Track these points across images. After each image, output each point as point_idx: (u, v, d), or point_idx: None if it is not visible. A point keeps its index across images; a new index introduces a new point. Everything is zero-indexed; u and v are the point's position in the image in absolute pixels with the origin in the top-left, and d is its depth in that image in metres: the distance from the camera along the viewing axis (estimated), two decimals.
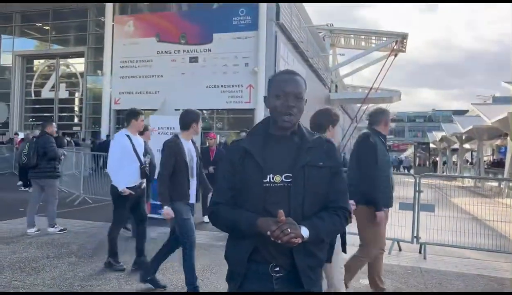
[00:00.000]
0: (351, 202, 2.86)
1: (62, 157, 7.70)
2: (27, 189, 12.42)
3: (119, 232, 5.18)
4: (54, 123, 7.33)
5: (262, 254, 1.72)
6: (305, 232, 1.64)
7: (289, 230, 1.58)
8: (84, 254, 5.62)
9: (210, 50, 21.99)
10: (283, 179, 1.72)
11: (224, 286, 2.29)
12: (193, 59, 22.35)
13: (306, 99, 1.82)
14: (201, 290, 4.31)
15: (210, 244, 6.38)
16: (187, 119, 4.26)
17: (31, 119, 27.67)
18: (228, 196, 1.79)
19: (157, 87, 22.64)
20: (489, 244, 6.58)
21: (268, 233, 1.60)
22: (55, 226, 6.89)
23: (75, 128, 25.65)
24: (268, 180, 1.72)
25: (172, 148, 4.09)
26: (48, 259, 5.34)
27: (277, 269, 1.72)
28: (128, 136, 4.93)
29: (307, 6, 27.97)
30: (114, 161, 4.87)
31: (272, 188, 1.71)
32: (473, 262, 5.91)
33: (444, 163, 38.32)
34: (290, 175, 1.71)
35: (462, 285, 4.92)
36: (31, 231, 6.71)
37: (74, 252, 5.73)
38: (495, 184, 17.94)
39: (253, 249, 1.72)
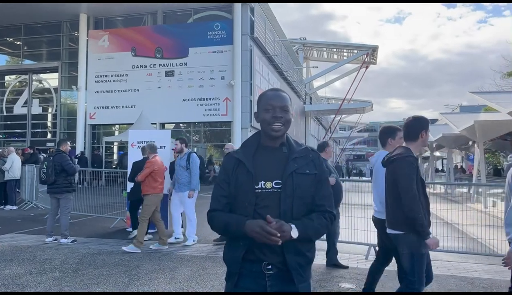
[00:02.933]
0: None
1: (77, 169, 8.29)
2: (1, 206, 12.20)
3: None
4: (68, 142, 7.93)
5: (255, 254, 1.91)
6: (294, 232, 1.84)
7: (273, 233, 1.78)
8: (68, 269, 5.63)
9: (186, 64, 22.16)
10: (274, 185, 1.92)
11: None
12: (169, 73, 22.47)
13: (292, 113, 2.05)
14: None
15: (192, 256, 6.49)
16: (416, 127, 3.51)
17: (1, 136, 27.03)
18: (223, 202, 1.99)
19: (133, 101, 22.63)
20: (460, 247, 6.93)
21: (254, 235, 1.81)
22: (67, 237, 7.35)
23: (49, 144, 25.16)
24: (260, 186, 1.92)
25: (414, 164, 3.31)
26: (32, 275, 5.34)
27: (269, 267, 1.91)
28: None
29: (280, 20, 28.56)
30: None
31: (264, 194, 1.92)
32: (445, 264, 6.22)
33: None
34: (280, 181, 1.92)
35: (435, 285, 5.19)
36: (49, 239, 7.30)
37: (57, 267, 5.74)
38: (465, 189, 18.64)
39: (246, 249, 1.91)
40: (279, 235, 1.78)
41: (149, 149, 7.18)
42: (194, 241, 7.43)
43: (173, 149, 9.21)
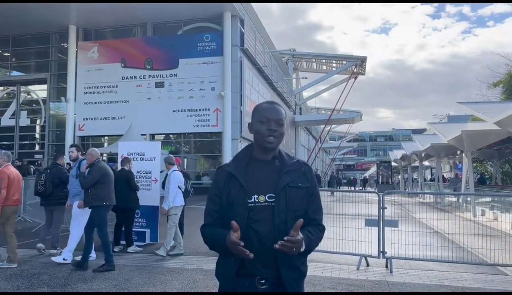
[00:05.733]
0: None
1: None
2: None
3: None
4: (65, 156, 8.19)
5: (248, 268, 1.89)
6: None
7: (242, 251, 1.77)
8: (56, 284, 5.54)
9: (176, 75, 22.19)
10: (267, 199, 1.91)
11: None
12: (159, 84, 22.46)
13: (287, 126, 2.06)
14: None
15: (183, 268, 6.43)
16: None
17: None
18: (215, 217, 1.98)
19: (123, 112, 22.55)
20: (450, 256, 6.97)
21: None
22: (57, 248, 7.33)
23: (37, 156, 24.91)
24: (253, 200, 1.91)
25: None
26: (19, 290, 5.24)
27: (263, 281, 1.89)
28: None
29: (267, 30, 28.77)
30: None
31: (257, 207, 1.91)
32: (436, 274, 6.25)
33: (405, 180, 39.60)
34: (273, 195, 1.91)
35: None
36: (41, 245, 7.41)
37: (45, 282, 5.64)
38: (454, 198, 18.78)
39: (239, 264, 1.90)
40: (247, 253, 1.77)
41: (5, 157, 6.79)
42: (65, 259, 6.60)
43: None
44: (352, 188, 37.93)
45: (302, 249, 1.83)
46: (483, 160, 29.39)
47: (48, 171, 7.65)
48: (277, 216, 1.89)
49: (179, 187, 7.43)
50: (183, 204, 7.64)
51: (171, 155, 8.04)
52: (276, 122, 1.98)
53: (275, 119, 1.98)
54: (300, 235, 1.81)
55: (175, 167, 7.66)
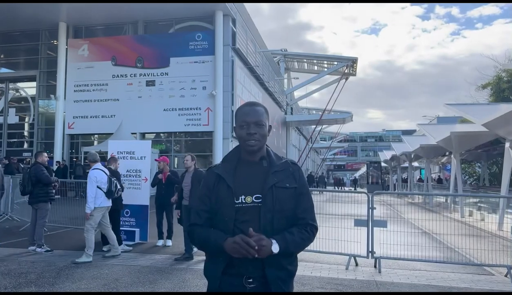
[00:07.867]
0: None
1: (56, 183, 8.17)
2: None
3: None
4: (45, 153, 8.07)
5: (236, 268, 1.91)
6: (275, 247, 1.85)
7: (252, 245, 1.80)
8: (44, 283, 5.50)
9: (167, 74, 22.09)
10: (254, 200, 1.93)
11: None
12: (150, 83, 22.35)
13: (270, 125, 2.08)
14: None
15: (172, 268, 6.42)
16: None
17: None
18: (204, 217, 1.99)
19: (113, 111, 22.38)
20: (438, 256, 7.05)
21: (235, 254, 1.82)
22: (42, 247, 7.37)
23: (25, 154, 24.63)
24: (240, 201, 1.93)
25: None
26: (6, 290, 5.19)
27: (250, 280, 1.91)
28: None
29: (259, 29, 28.82)
30: None
31: (244, 208, 1.93)
32: (424, 274, 6.31)
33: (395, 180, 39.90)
34: (260, 195, 1.93)
35: None
36: (32, 248, 7.43)
37: (33, 281, 5.59)
38: (442, 199, 18.99)
39: (227, 263, 1.91)
40: (256, 247, 1.80)
41: None
42: None
43: (156, 159, 9.13)
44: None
45: (275, 250, 1.85)
46: (472, 161, 29.73)
47: (28, 170, 7.75)
48: (263, 217, 1.91)
49: (99, 188, 6.91)
50: (105, 205, 7.04)
51: (94, 152, 7.50)
52: (255, 125, 2.00)
53: (254, 122, 2.00)
54: (261, 237, 1.83)
55: (97, 165, 7.12)
